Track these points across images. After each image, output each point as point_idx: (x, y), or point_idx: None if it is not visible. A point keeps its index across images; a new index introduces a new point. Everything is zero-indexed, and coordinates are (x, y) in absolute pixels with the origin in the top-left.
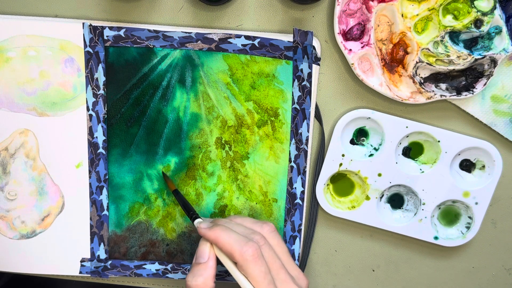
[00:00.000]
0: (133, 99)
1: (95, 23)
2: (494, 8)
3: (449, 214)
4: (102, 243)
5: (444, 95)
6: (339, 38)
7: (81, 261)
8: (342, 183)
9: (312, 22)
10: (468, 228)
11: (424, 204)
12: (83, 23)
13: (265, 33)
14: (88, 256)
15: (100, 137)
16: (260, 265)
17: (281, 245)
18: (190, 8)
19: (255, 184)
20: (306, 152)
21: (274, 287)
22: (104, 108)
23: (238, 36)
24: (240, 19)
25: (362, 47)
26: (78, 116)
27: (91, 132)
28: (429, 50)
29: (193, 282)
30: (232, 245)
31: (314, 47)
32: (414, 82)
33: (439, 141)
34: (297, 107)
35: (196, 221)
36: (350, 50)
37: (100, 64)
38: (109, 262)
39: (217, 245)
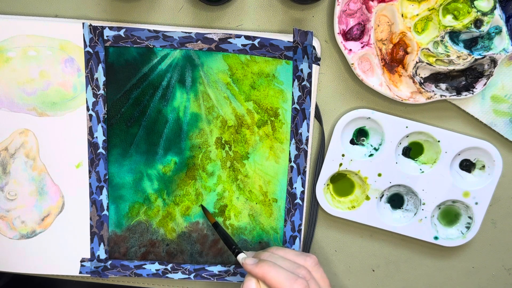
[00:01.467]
0: (133, 99)
1: (95, 23)
2: (494, 8)
3: (449, 214)
4: (102, 243)
5: (444, 95)
6: (339, 38)
7: (81, 261)
8: (342, 183)
9: (312, 22)
10: (468, 228)
11: (424, 204)
12: (83, 23)
13: (265, 33)
14: (88, 256)
15: (100, 137)
16: None
17: (325, 278)
18: (190, 8)
19: (255, 184)
20: (306, 152)
21: None
22: (104, 108)
23: (238, 36)
24: (240, 19)
25: (362, 47)
26: (78, 116)
27: (91, 132)
28: (429, 50)
29: None
30: (281, 283)
31: (314, 47)
32: (414, 82)
33: (439, 141)
34: (297, 107)
35: (240, 256)
36: (350, 50)
37: (100, 64)
38: (109, 262)
39: (265, 281)
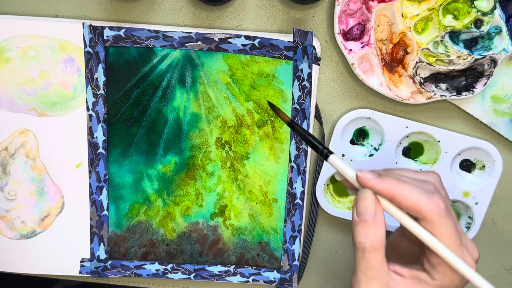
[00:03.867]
0: (133, 99)
1: (95, 23)
2: (494, 8)
3: None
4: (102, 243)
5: (444, 95)
6: (339, 38)
7: (81, 261)
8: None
9: (312, 22)
10: (468, 228)
11: None
12: (83, 23)
13: (265, 33)
14: (88, 256)
15: (100, 137)
16: (451, 219)
17: (447, 195)
18: (190, 8)
19: (255, 184)
20: (306, 152)
21: (462, 245)
22: (104, 108)
23: (238, 36)
24: (240, 19)
25: (362, 47)
26: (78, 116)
27: (91, 132)
28: (429, 50)
29: (368, 243)
30: (418, 199)
31: (314, 47)
32: (414, 82)
33: (439, 141)
34: (297, 107)
35: (358, 173)
36: (350, 50)
37: (100, 64)
38: (109, 262)
39: (395, 199)
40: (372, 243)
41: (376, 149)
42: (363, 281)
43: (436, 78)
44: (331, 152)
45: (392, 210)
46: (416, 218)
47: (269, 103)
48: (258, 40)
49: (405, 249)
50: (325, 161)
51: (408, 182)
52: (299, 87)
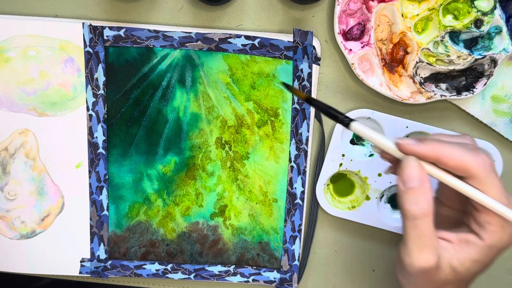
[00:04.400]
0: (133, 99)
1: (95, 23)
2: (494, 8)
3: None
4: (102, 243)
5: (444, 95)
6: (339, 38)
7: (81, 261)
8: (342, 183)
9: (312, 22)
10: None
11: None
12: (83, 23)
13: (265, 33)
14: (88, 256)
15: (100, 137)
16: (496, 174)
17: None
18: (190, 8)
19: (255, 184)
20: (306, 152)
21: (510, 200)
22: (104, 108)
23: (238, 36)
24: (240, 19)
25: (362, 47)
26: (78, 116)
27: (91, 132)
28: (429, 50)
29: (419, 210)
30: (464, 157)
31: (314, 47)
32: (414, 82)
33: None
34: (297, 107)
35: (399, 140)
36: (350, 50)
37: (100, 64)
38: (109, 262)
39: (440, 160)
40: (423, 209)
41: None
42: (415, 250)
43: (436, 78)
44: (353, 120)
45: (438, 174)
46: (462, 179)
47: (283, 83)
48: (258, 40)
49: (446, 216)
50: (324, 161)
51: (451, 143)
52: (299, 87)
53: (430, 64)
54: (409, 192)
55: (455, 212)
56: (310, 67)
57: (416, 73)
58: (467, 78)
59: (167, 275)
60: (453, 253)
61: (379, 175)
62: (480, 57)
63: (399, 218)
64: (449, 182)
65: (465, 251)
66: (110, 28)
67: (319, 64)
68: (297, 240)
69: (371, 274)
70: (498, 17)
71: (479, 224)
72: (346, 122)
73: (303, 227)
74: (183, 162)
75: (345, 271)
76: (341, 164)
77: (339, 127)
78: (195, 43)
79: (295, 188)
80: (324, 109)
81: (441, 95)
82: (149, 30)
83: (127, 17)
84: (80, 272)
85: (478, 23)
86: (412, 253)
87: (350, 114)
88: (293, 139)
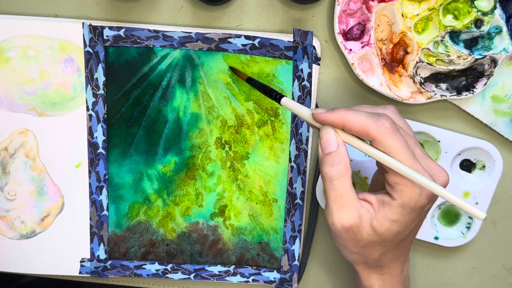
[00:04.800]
0: (133, 99)
1: (95, 23)
2: (494, 8)
3: (449, 214)
4: (102, 243)
5: (444, 95)
6: (339, 38)
7: (80, 261)
8: None
9: (312, 22)
10: (468, 228)
11: None
12: (83, 23)
13: (265, 33)
14: (88, 256)
15: (100, 137)
16: (399, 136)
17: (408, 127)
18: (190, 8)
19: (255, 184)
20: (306, 152)
21: (416, 160)
22: (104, 108)
23: (238, 36)
24: (240, 19)
25: (362, 47)
26: (78, 116)
27: (91, 132)
28: (429, 50)
29: (334, 171)
30: (365, 122)
31: (314, 47)
32: (414, 82)
33: (439, 141)
34: None
35: (313, 110)
36: (350, 50)
37: (100, 64)
38: (109, 262)
39: (345, 125)
40: (338, 170)
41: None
42: (334, 210)
43: (436, 78)
44: (284, 95)
45: (350, 139)
46: (371, 143)
47: (231, 68)
48: (258, 40)
49: (380, 181)
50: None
51: (357, 110)
52: (299, 87)
53: (430, 64)
54: (326, 157)
55: (383, 177)
56: (310, 67)
57: (416, 73)
58: (467, 78)
59: (167, 275)
60: (373, 214)
61: None
62: (480, 57)
63: None
64: (359, 147)
65: (383, 211)
66: (110, 28)
67: (319, 64)
68: (297, 240)
69: None
70: (498, 17)
71: (390, 185)
72: (278, 98)
73: (303, 227)
74: (183, 162)
75: (345, 271)
76: None
77: None
78: (195, 43)
79: (295, 188)
80: (260, 88)
81: (441, 95)
82: (149, 30)
83: (127, 17)
84: (80, 272)
85: (478, 23)
86: (333, 214)
87: None
88: (293, 139)
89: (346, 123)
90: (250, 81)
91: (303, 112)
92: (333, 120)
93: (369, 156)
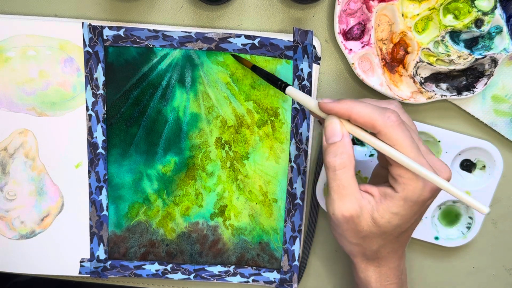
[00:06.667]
0: (133, 99)
1: (95, 22)
2: (495, 7)
3: (450, 214)
4: (101, 244)
5: (444, 95)
6: (339, 38)
7: (80, 261)
8: None
9: (312, 22)
10: (468, 228)
11: None
12: (83, 23)
13: (265, 32)
14: (88, 256)
15: (99, 137)
16: (405, 130)
17: (412, 122)
18: (190, 7)
19: (255, 184)
20: (306, 152)
21: (420, 154)
22: (104, 108)
23: (238, 36)
24: (240, 19)
25: (362, 46)
26: (78, 116)
27: (90, 132)
28: (430, 50)
29: (338, 161)
30: (371, 114)
31: (314, 47)
32: (414, 82)
33: (439, 141)
34: (297, 106)
35: (319, 100)
36: (350, 49)
37: (99, 64)
38: (109, 262)
39: (352, 116)
40: (342, 160)
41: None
42: (336, 199)
43: (436, 78)
44: (289, 84)
45: (355, 130)
46: (375, 136)
47: (232, 55)
48: (258, 39)
49: (383, 176)
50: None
51: (364, 102)
52: (299, 86)
53: (431, 64)
54: (330, 147)
55: (386, 170)
56: (310, 66)
57: (416, 73)
58: (467, 78)
59: (166, 275)
60: (375, 206)
61: None
62: (480, 57)
63: None
64: (364, 138)
65: (384, 203)
66: (110, 28)
67: (319, 64)
68: (297, 240)
69: None
70: (499, 17)
71: (393, 178)
72: (283, 87)
73: (303, 227)
74: (183, 162)
75: (345, 271)
76: None
77: None
78: (195, 43)
79: (295, 188)
80: (265, 76)
81: (442, 95)
82: (148, 30)
83: (126, 17)
84: (80, 272)
85: (478, 22)
86: (334, 203)
87: None
88: (293, 139)
89: (352, 114)
90: (255, 69)
91: (309, 101)
92: (339, 110)
93: (370, 156)
